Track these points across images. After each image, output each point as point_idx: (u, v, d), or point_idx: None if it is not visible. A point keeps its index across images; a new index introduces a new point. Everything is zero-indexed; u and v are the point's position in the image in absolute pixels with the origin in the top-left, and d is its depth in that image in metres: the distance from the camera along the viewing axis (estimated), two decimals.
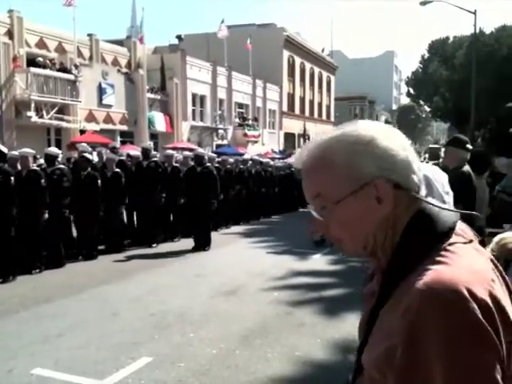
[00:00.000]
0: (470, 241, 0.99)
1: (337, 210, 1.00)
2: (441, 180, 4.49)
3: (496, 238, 2.20)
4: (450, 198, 4.47)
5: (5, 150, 8.21)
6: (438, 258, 0.93)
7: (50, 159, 9.09)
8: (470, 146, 4.97)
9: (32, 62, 20.15)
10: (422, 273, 0.90)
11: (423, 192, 1.03)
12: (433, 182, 4.43)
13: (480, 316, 0.84)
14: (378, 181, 0.98)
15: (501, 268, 1.01)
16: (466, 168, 4.85)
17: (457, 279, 0.87)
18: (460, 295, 0.84)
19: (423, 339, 0.84)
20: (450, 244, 0.96)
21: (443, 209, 1.02)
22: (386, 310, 0.96)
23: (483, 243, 2.21)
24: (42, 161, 10.05)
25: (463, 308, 0.84)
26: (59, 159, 9.92)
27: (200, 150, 12.85)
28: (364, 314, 1.09)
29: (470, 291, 0.85)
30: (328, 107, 56.81)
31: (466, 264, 0.92)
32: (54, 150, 9.68)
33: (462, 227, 1.02)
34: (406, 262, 0.96)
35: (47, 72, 20.13)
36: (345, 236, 1.03)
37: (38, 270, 8.27)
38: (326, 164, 1.01)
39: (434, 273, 0.89)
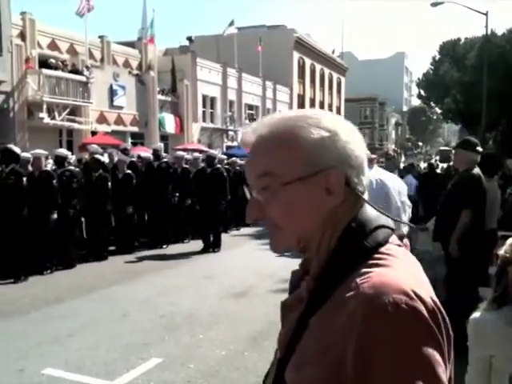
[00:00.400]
0: (399, 245, 0.98)
1: (283, 193, 0.94)
2: (398, 189, 4.48)
3: (509, 240, 2.19)
4: (405, 206, 4.40)
5: (18, 150, 8.27)
6: (378, 261, 0.90)
7: (60, 160, 9.16)
8: (480, 149, 4.94)
9: (44, 63, 20.32)
10: (364, 276, 0.87)
11: (366, 196, 1.00)
12: (391, 191, 4.43)
13: (427, 316, 0.83)
14: (333, 171, 0.94)
15: None
16: (476, 170, 4.82)
17: (401, 281, 0.85)
18: (407, 296, 0.82)
19: (374, 344, 0.80)
20: (387, 247, 0.93)
21: (381, 213, 1.00)
22: (319, 318, 0.90)
23: (495, 246, 2.21)
24: (50, 161, 10.13)
25: (411, 309, 0.82)
26: (71, 161, 9.99)
27: (212, 151, 12.89)
28: (287, 325, 1.00)
29: (415, 292, 0.83)
30: (338, 109, 56.69)
31: (405, 266, 0.91)
32: (63, 151, 9.76)
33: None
34: (344, 265, 0.91)
35: (59, 73, 20.29)
36: (284, 222, 0.96)
37: (49, 271, 8.33)
38: (286, 143, 0.95)
39: (377, 275, 0.86)
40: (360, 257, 0.91)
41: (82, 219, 10.04)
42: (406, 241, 4.26)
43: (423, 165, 28.94)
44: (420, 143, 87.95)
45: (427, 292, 0.87)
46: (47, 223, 8.28)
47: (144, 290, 7.42)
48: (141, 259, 9.75)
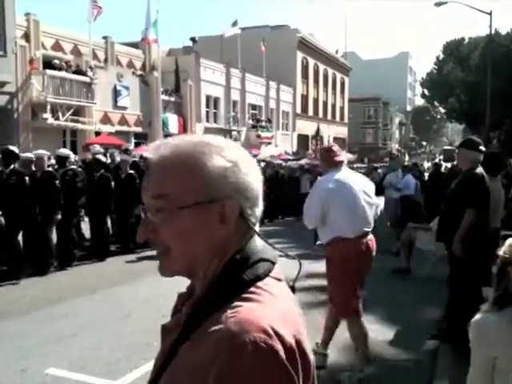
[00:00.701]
0: (279, 280, 1.00)
1: (178, 216, 0.95)
2: (363, 189, 4.66)
3: (509, 241, 2.17)
4: (372, 206, 4.62)
5: (16, 150, 8.30)
6: (251, 295, 0.91)
7: (61, 160, 9.16)
8: (482, 148, 4.92)
9: (48, 64, 20.37)
10: (234, 309, 0.88)
11: (257, 228, 1.03)
12: (356, 192, 4.63)
13: (284, 357, 0.85)
14: (229, 201, 0.96)
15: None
16: (479, 170, 4.80)
17: (265, 319, 0.86)
18: (267, 335, 0.84)
19: (233, 381, 0.82)
20: (265, 282, 0.95)
21: (269, 245, 1.02)
22: (189, 345, 0.92)
23: (497, 245, 2.19)
24: (52, 161, 10.14)
25: (269, 348, 0.84)
26: (74, 160, 9.98)
27: None
28: (163, 347, 1.03)
29: (276, 332, 0.85)
30: (342, 109, 56.64)
31: (277, 303, 0.92)
32: (64, 151, 9.77)
33: (276, 268, 1.02)
34: (220, 295, 0.93)
35: (63, 74, 20.33)
36: (176, 245, 0.97)
37: (51, 269, 8.34)
38: (186, 167, 0.96)
39: (245, 311, 0.88)
40: (236, 289, 0.93)
41: (86, 219, 10.07)
42: (371, 237, 4.38)
43: (427, 164, 28.89)
44: (424, 143, 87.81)
45: (291, 330, 0.89)
46: (50, 223, 8.29)
47: (145, 290, 7.41)
48: (142, 259, 9.73)
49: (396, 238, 10.29)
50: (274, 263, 1.00)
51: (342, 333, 5.44)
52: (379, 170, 20.41)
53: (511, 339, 2.06)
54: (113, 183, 9.62)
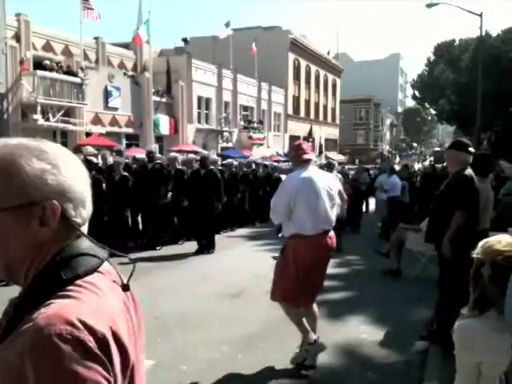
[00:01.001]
0: (106, 276, 1.01)
1: None
2: (327, 188, 4.80)
3: (481, 243, 2.18)
4: (334, 205, 4.78)
5: None
6: (68, 293, 0.92)
7: None
8: (471, 149, 4.95)
9: (39, 65, 20.28)
10: (47, 307, 0.89)
11: (85, 229, 1.04)
12: (320, 189, 4.77)
13: (94, 345, 0.86)
14: (50, 203, 0.95)
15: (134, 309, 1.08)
16: (468, 171, 4.83)
17: (74, 312, 0.87)
18: (74, 327, 0.85)
19: (40, 372, 0.83)
20: (86, 279, 0.96)
21: (95, 244, 1.03)
22: (3, 346, 0.91)
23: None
24: None
25: (75, 339, 0.85)
26: None
27: (203, 152, 12.88)
28: None
29: (84, 323, 0.86)
30: (333, 110, 56.80)
31: (95, 300, 0.93)
32: None
33: (107, 266, 1.04)
34: (37, 295, 0.93)
35: (54, 75, 20.24)
36: None
37: None
38: (2, 170, 0.94)
39: (57, 306, 0.88)
40: (54, 288, 0.93)
41: None
42: (331, 234, 4.53)
43: (417, 166, 29.04)
44: (414, 144, 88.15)
45: (106, 323, 0.91)
46: None
47: (138, 291, 7.35)
48: (134, 261, 9.70)
49: (386, 239, 10.34)
50: (101, 261, 1.02)
51: (335, 334, 5.46)
52: (371, 172, 20.44)
53: (494, 344, 2.05)
54: (104, 185, 9.59)
